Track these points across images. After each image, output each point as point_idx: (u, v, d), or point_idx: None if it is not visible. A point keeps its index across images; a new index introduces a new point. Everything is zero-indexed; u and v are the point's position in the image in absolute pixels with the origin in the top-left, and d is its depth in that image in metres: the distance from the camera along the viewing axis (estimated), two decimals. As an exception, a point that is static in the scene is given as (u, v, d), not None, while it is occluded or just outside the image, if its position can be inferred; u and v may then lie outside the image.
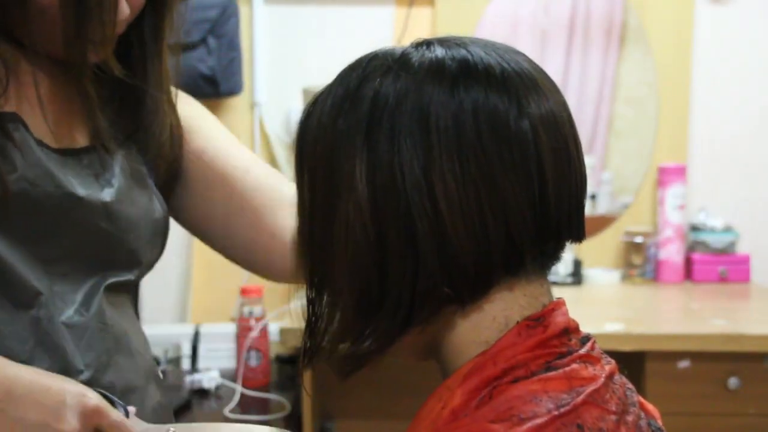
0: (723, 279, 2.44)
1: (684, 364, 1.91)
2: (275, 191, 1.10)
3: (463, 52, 0.69)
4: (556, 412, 0.63)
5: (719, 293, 2.34)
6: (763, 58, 2.52)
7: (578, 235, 0.72)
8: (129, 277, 1.01)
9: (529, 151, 0.66)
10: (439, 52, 0.69)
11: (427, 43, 0.71)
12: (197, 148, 1.10)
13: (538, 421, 0.62)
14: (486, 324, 0.69)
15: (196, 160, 1.10)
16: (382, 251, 0.67)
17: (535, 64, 0.71)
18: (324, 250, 0.70)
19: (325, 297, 0.72)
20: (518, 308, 0.69)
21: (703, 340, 1.89)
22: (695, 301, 2.29)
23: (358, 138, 0.67)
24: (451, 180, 0.65)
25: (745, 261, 2.46)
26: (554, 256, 0.72)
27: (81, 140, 0.98)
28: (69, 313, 0.93)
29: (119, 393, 0.94)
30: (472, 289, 0.68)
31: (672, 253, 2.45)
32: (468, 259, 0.66)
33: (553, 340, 0.69)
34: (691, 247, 2.50)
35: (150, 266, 1.05)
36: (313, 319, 0.73)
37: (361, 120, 0.68)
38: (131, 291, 1.05)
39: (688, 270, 2.48)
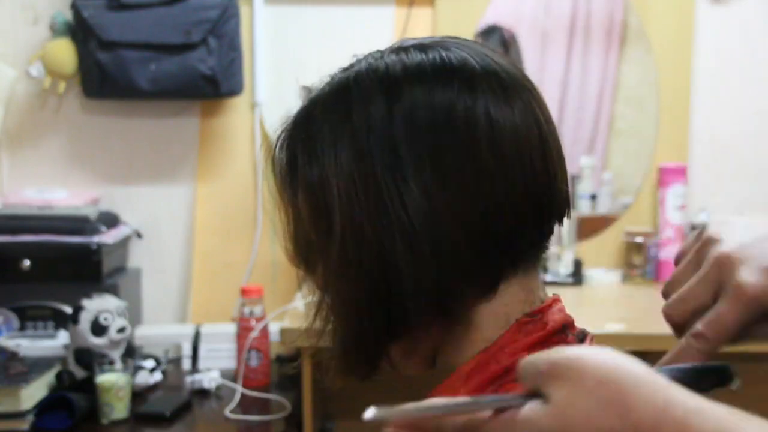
0: (723, 279, 2.44)
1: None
2: None
3: (441, 53, 0.71)
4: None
5: (720, 293, 2.34)
6: (763, 58, 2.51)
7: (566, 213, 0.74)
8: None
9: (529, 141, 0.68)
10: (417, 56, 0.71)
11: (404, 48, 0.73)
12: None
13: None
14: (487, 320, 0.69)
15: None
16: (380, 258, 0.67)
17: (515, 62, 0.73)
18: (324, 257, 0.71)
19: (328, 299, 0.72)
20: (518, 303, 0.70)
21: (703, 341, 1.89)
22: (696, 302, 2.28)
23: (351, 155, 0.69)
24: (434, 188, 0.66)
25: (745, 261, 2.45)
26: (545, 242, 0.73)
27: None
28: None
29: None
30: (482, 286, 0.69)
31: (672, 254, 2.44)
32: (465, 258, 0.66)
33: (553, 337, 0.69)
34: (692, 248, 2.49)
35: None
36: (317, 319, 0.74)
37: (354, 140, 0.69)
38: None
39: (689, 270, 2.47)
